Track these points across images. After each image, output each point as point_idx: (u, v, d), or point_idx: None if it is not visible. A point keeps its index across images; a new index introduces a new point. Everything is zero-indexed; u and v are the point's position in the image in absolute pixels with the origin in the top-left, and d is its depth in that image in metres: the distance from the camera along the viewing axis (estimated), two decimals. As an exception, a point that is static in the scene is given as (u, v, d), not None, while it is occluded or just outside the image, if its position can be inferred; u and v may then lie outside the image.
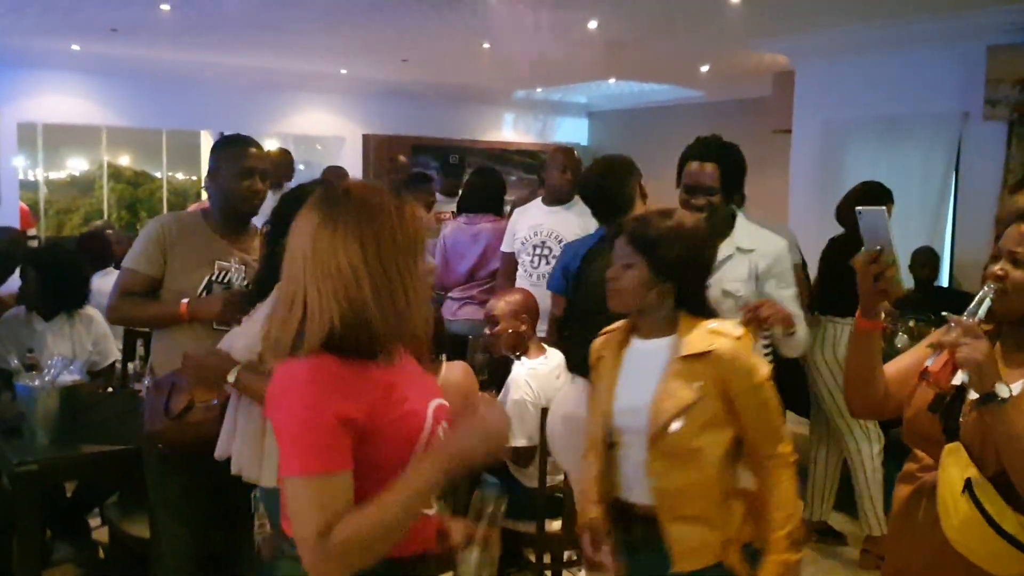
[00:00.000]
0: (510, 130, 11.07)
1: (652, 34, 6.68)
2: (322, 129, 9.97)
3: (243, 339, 2.37)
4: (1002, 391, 1.64)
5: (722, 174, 2.89)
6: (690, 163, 2.94)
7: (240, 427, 2.38)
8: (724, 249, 2.93)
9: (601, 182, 3.22)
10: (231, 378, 2.35)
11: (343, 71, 9.08)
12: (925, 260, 5.66)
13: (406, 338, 1.55)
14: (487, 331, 3.59)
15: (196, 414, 2.55)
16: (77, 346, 3.83)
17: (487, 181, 5.02)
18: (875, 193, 4.32)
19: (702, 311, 2.13)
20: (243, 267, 2.91)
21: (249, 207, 2.96)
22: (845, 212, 4.48)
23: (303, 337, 1.49)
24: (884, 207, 1.91)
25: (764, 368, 2.07)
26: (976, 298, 1.79)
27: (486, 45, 7.19)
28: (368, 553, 1.42)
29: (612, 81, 9.46)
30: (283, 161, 6.55)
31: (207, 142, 11.29)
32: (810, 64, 6.75)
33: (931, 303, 5.23)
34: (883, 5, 5.60)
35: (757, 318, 2.69)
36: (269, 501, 2.35)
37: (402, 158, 6.41)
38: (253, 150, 2.93)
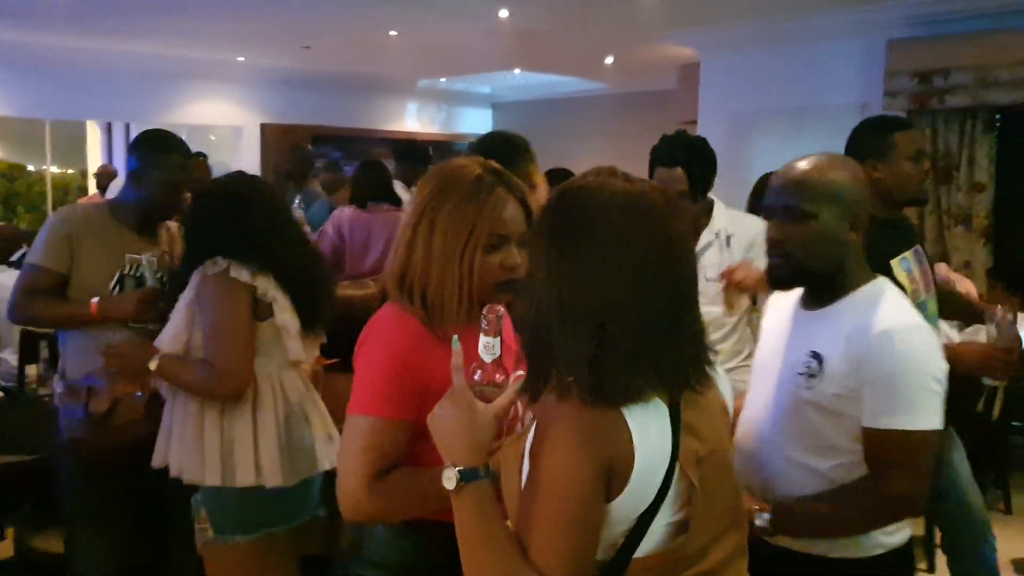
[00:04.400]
0: (414, 120, 10.94)
1: (562, 25, 6.67)
2: (217, 119, 9.63)
3: (170, 331, 2.29)
4: None
5: (689, 176, 2.86)
6: (658, 169, 2.92)
7: (177, 428, 2.28)
8: (704, 237, 2.98)
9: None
10: (152, 365, 2.29)
11: (240, 59, 8.79)
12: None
13: None
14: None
15: (122, 415, 2.42)
16: None
17: (375, 172, 4.92)
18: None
19: None
20: (154, 259, 2.79)
21: (170, 215, 2.88)
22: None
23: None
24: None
25: None
26: None
27: (393, 33, 7.06)
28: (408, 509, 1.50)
29: (516, 72, 9.44)
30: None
31: (94, 133, 10.78)
32: (716, 57, 6.86)
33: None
34: (788, -1, 5.73)
35: (732, 282, 2.68)
36: (211, 502, 2.25)
37: (308, 147, 6.23)
38: (183, 161, 2.83)
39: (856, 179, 1.82)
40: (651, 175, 2.96)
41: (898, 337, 1.71)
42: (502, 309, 1.33)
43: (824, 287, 1.84)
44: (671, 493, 1.28)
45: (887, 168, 2.68)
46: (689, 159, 2.86)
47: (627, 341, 1.25)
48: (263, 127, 9.67)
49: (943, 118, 5.62)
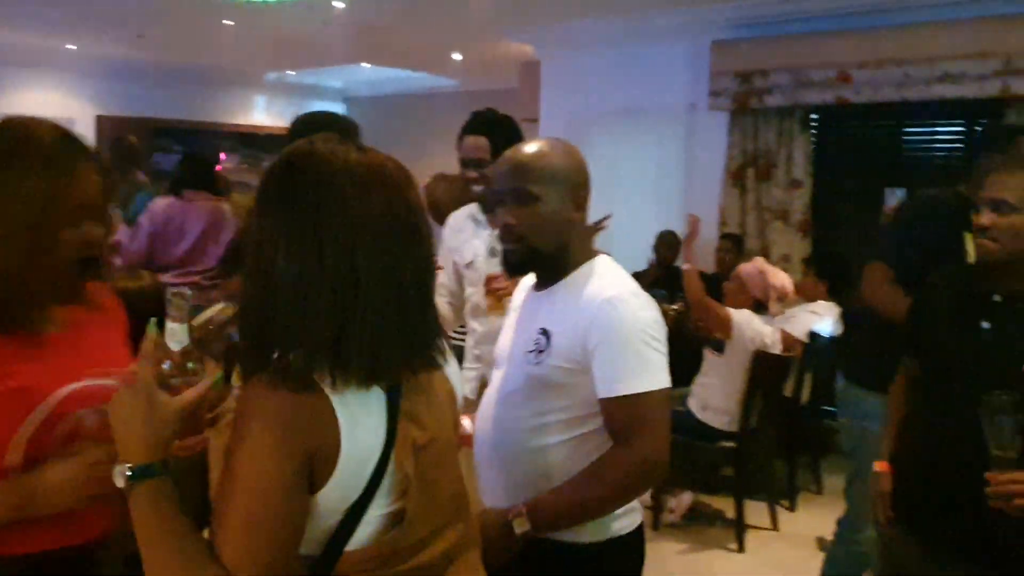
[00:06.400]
0: (262, 114, 10.67)
1: (401, 18, 6.62)
2: (47, 110, 9.04)
3: None
4: None
5: (492, 145, 2.96)
6: (466, 137, 3.05)
7: None
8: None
9: None
10: None
11: (70, 46, 8.37)
12: (669, 242, 6.03)
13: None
14: None
15: None
16: None
17: (196, 163, 4.99)
18: None
19: None
20: None
21: None
22: None
23: None
24: None
25: None
26: None
27: (227, 22, 6.86)
28: None
29: (367, 66, 9.34)
30: None
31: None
32: (554, 55, 6.96)
33: (668, 281, 5.59)
34: (619, -1, 5.86)
35: (491, 290, 2.77)
36: None
37: (132, 138, 5.99)
38: None
39: (575, 162, 1.86)
40: (460, 144, 3.09)
41: (618, 304, 1.75)
42: (189, 292, 1.26)
43: (553, 267, 1.86)
44: (385, 483, 1.22)
45: None
46: (493, 129, 2.99)
47: (334, 322, 1.17)
48: (99, 119, 9.22)
49: (763, 117, 5.87)
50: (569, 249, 1.86)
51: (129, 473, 1.17)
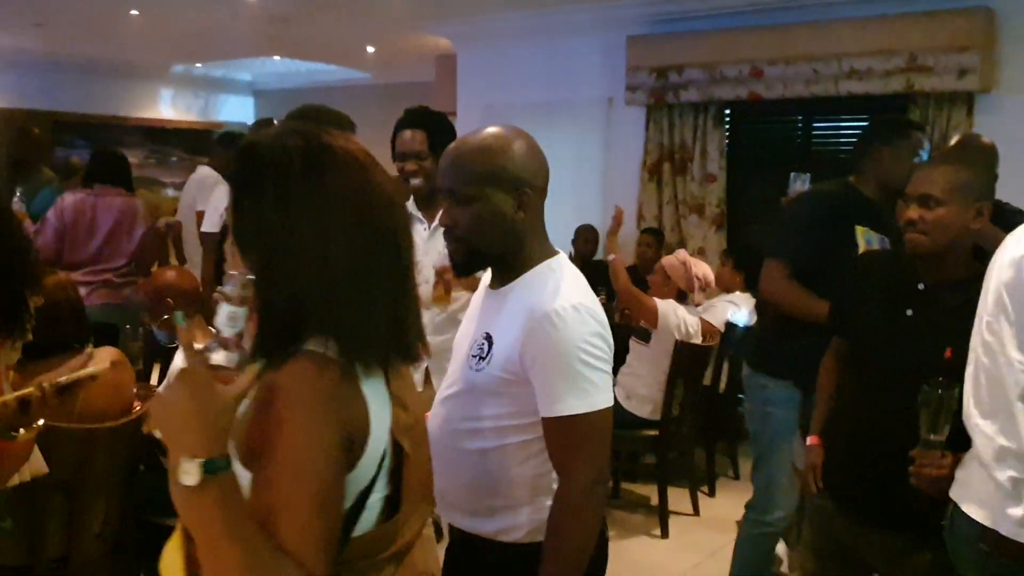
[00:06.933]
0: (168, 107, 10.38)
1: (313, 10, 6.52)
2: (-66, 101, 8.72)
3: None
4: None
5: (429, 137, 2.98)
6: (401, 132, 3.04)
7: None
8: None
9: None
10: None
11: (-39, 34, 7.98)
12: (588, 236, 6.09)
13: None
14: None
15: None
16: None
17: (109, 157, 4.94)
18: None
19: None
20: None
21: None
22: None
23: None
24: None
25: None
26: None
27: (134, 12, 6.64)
28: None
29: (277, 59, 9.16)
30: None
31: None
32: (471, 49, 6.95)
33: (588, 275, 5.63)
34: (535, -7, 5.89)
35: (443, 282, 2.82)
36: None
37: (36, 131, 5.78)
38: None
39: (522, 158, 1.72)
40: (394, 142, 3.08)
41: (556, 320, 1.64)
42: (249, 276, 1.18)
43: (502, 268, 1.77)
44: (384, 466, 1.23)
45: (892, 156, 2.94)
46: (428, 123, 3.02)
47: (368, 303, 1.19)
48: (-7, 111, 8.84)
49: (679, 112, 5.98)
50: (521, 250, 1.74)
51: (202, 468, 1.06)
